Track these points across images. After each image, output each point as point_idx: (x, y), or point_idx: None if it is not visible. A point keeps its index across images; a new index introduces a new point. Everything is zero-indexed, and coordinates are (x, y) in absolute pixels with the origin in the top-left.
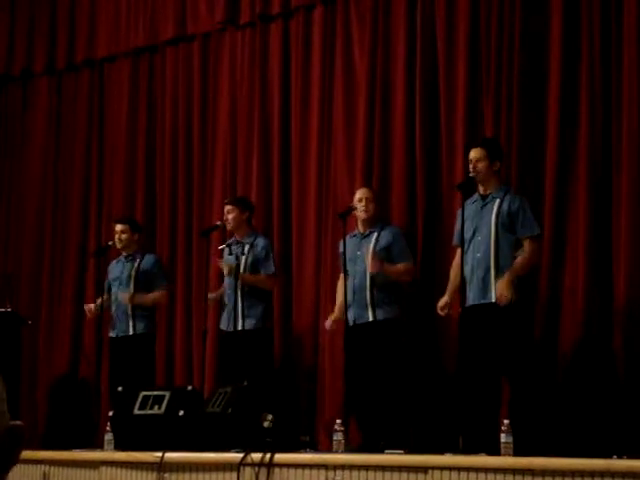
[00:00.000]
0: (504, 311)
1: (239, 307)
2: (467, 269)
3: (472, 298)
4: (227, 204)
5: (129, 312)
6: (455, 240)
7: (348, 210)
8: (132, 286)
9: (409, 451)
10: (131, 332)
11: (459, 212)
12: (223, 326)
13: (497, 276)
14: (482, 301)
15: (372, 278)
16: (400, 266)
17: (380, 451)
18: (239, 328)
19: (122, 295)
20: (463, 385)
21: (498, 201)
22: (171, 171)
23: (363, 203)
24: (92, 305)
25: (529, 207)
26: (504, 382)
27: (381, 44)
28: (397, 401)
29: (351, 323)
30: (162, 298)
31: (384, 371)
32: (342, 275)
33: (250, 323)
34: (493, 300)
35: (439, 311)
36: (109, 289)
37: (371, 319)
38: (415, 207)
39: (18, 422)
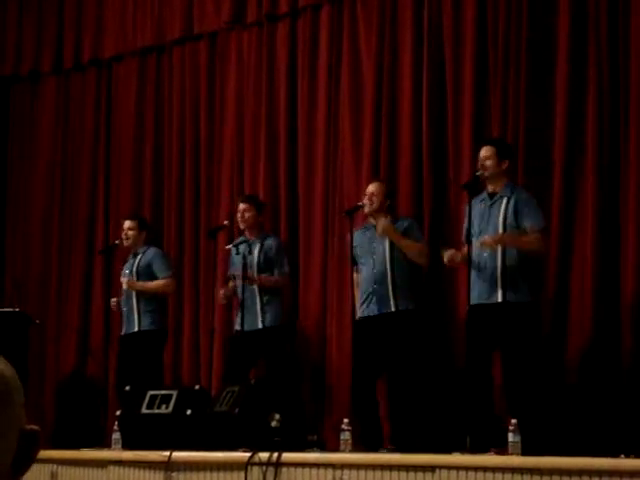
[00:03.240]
0: (511, 312)
1: (257, 305)
2: (473, 267)
3: (478, 297)
4: (243, 202)
5: (134, 308)
6: (464, 239)
7: (355, 208)
8: (135, 280)
9: (416, 450)
10: (136, 329)
11: (466, 210)
12: (239, 326)
13: (503, 276)
14: (488, 301)
15: (392, 267)
16: (411, 241)
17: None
18: (259, 326)
19: (122, 280)
20: (470, 384)
21: (505, 199)
22: (178, 170)
23: (367, 197)
24: (115, 299)
25: (535, 202)
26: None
27: (388, 43)
28: (408, 397)
29: (376, 313)
30: (166, 287)
31: (400, 363)
32: (355, 269)
33: (269, 320)
34: (500, 300)
35: (446, 261)
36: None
37: (393, 309)
38: (422, 205)
39: (34, 426)
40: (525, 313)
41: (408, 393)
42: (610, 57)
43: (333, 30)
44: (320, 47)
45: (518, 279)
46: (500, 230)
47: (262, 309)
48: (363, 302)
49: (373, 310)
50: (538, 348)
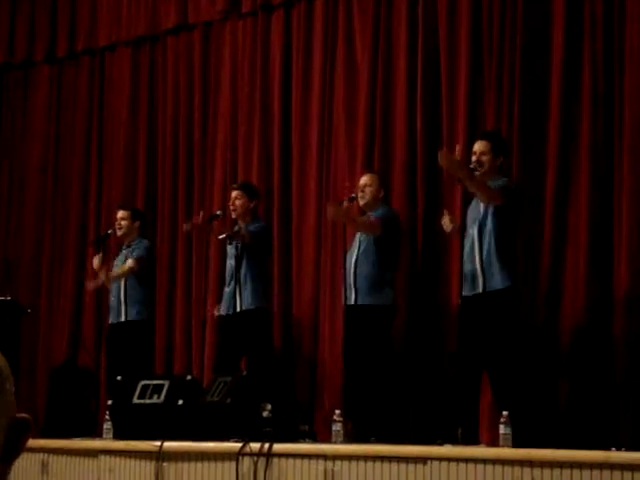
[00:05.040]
0: (493, 301)
1: (237, 288)
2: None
3: (465, 289)
4: (234, 189)
5: (121, 298)
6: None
7: (349, 199)
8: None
9: (408, 442)
10: (123, 319)
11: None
12: (222, 311)
13: (482, 269)
14: (472, 292)
15: (356, 261)
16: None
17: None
18: (238, 309)
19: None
20: (459, 376)
21: None
22: (172, 160)
23: (360, 189)
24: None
25: (508, 185)
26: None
27: (383, 35)
28: (395, 390)
29: (352, 303)
30: (130, 270)
31: (375, 357)
32: None
33: (247, 303)
34: (480, 291)
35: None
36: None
37: (352, 302)
38: (415, 197)
39: (25, 415)
40: (505, 300)
41: (392, 388)
42: (605, 49)
43: (328, 20)
44: (315, 38)
45: (496, 267)
46: (476, 227)
47: (240, 293)
48: (346, 289)
49: (350, 300)
50: (515, 338)
